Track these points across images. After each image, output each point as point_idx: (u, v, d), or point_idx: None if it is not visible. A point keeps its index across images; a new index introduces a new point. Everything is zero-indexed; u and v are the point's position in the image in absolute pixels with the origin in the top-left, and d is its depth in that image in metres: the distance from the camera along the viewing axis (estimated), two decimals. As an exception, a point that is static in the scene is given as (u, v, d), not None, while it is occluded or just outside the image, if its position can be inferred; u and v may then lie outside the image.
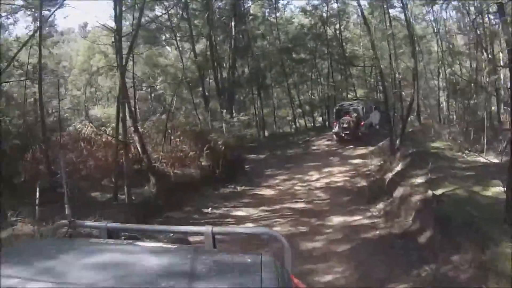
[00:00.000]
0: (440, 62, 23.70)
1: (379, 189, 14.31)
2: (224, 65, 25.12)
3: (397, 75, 17.65)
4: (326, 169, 18.70)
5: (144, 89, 24.36)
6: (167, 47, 26.67)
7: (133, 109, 16.32)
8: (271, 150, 23.33)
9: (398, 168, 14.62)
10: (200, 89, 20.66)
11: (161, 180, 13.47)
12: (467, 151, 15.73)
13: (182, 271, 1.69)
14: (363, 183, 16.30)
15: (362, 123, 22.14)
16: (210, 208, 12.63)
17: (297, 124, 30.24)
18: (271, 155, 22.63)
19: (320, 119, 32.37)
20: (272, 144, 24.68)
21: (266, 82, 28.93)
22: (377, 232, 10.26)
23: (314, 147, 23.07)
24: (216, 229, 2.18)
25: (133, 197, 11.91)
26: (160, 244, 2.24)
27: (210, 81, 26.34)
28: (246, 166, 20.99)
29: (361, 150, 21.38)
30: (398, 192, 12.17)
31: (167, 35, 22.95)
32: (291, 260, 2.21)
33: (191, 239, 2.74)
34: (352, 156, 20.68)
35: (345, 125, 22.08)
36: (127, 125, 12.68)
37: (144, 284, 1.56)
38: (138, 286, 1.55)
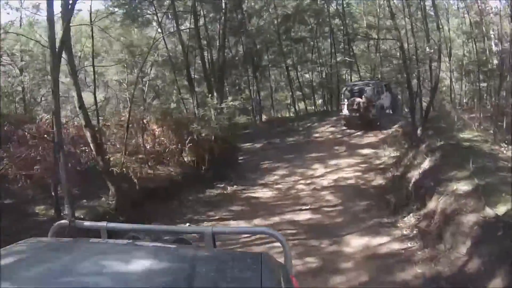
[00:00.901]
0: (450, 43, 20.26)
1: (402, 192, 10.97)
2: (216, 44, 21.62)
3: (425, 50, 14.09)
4: (332, 162, 15.30)
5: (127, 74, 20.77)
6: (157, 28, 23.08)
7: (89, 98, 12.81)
8: (268, 138, 19.92)
9: (426, 165, 11.19)
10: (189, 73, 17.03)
11: (126, 187, 10.08)
12: (504, 144, 12.28)
13: (182, 271, 1.62)
14: (379, 180, 12.93)
15: (373, 105, 18.67)
16: (188, 224, 9.26)
17: (297, 109, 26.76)
18: (269, 144, 19.22)
19: (319, 101, 28.88)
20: (269, 130, 21.26)
21: (262, 63, 25.30)
22: (418, 270, 6.88)
23: (317, 135, 19.62)
24: (216, 229, 2.07)
25: (82, 215, 8.44)
26: (160, 244, 2.08)
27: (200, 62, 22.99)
28: (240, 158, 17.67)
29: (370, 138, 17.98)
30: (436, 203, 8.78)
31: (148, 12, 19.24)
32: (291, 260, 2.05)
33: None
34: (360, 145, 17.25)
35: (354, 107, 18.74)
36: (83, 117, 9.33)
37: (144, 284, 1.49)
38: (138, 286, 1.48)
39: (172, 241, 2.38)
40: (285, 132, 20.59)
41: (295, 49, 26.40)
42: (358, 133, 18.82)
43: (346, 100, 19.45)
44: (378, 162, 14.96)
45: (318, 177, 13.81)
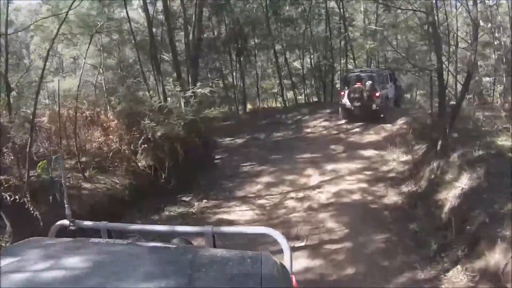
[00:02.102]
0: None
1: (432, 221, 7.51)
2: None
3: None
4: (329, 166, 11.74)
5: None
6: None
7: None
8: (252, 132, 16.30)
9: (465, 184, 7.71)
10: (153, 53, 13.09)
11: (32, 217, 6.34)
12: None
13: (182, 271, 1.56)
14: (392, 197, 9.44)
15: (377, 94, 15.12)
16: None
17: (286, 98, 23.11)
18: (252, 140, 15.60)
19: (310, 91, 25.25)
20: (254, 123, 17.62)
21: (247, 46, 21.47)
22: None
23: (309, 130, 16.01)
24: (216, 228, 2.05)
25: None
26: (160, 244, 1.96)
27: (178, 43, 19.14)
28: (217, 158, 14.04)
29: (372, 136, 14.46)
30: (503, 256, 5.29)
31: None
32: (291, 260, 1.96)
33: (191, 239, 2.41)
34: (361, 144, 13.70)
35: (356, 95, 15.27)
36: None
37: (144, 284, 1.44)
38: (138, 286, 1.43)
39: (172, 241, 2.28)
40: (272, 125, 16.95)
41: (285, 32, 22.61)
42: (357, 129, 15.26)
43: (346, 87, 15.87)
44: (385, 168, 11.44)
45: (313, 188, 10.24)
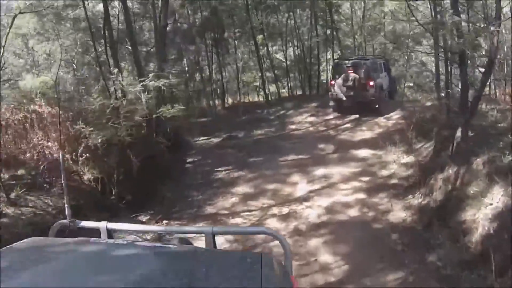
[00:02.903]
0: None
1: (459, 251, 5.54)
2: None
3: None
4: (318, 171, 9.71)
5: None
6: None
7: None
8: (230, 130, 14.15)
9: (498, 200, 5.73)
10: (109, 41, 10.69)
11: None
12: None
13: (182, 271, 1.53)
14: (398, 212, 7.48)
15: (372, 83, 13.15)
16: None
17: (267, 92, 20.97)
18: (230, 139, 13.45)
19: (292, 84, 23.17)
20: (233, 119, 15.49)
21: (224, 36, 19.21)
22: None
23: (293, 126, 13.92)
24: (216, 229, 1.99)
25: None
26: (160, 244, 2.01)
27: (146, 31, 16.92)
28: (189, 161, 11.94)
29: (365, 132, 12.50)
30: None
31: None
32: (291, 260, 1.91)
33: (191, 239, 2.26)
34: (354, 142, 11.70)
35: (348, 83, 13.32)
36: None
37: (144, 284, 1.40)
38: (138, 286, 1.39)
39: (172, 241, 2.26)
40: (252, 122, 14.83)
41: (266, 21, 20.41)
42: (348, 125, 13.24)
43: (337, 76, 13.82)
44: (385, 173, 9.44)
45: (300, 201, 8.19)
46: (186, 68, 19.51)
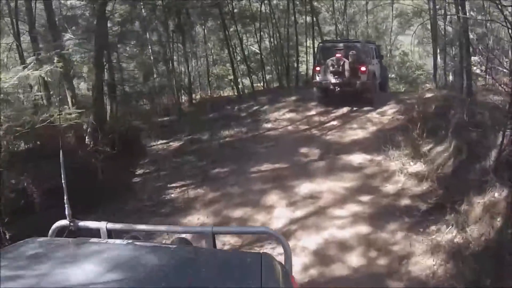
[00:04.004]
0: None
1: None
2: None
3: None
4: (302, 187, 7.02)
5: None
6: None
7: None
8: (193, 131, 11.31)
9: None
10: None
11: None
12: None
13: (182, 271, 1.46)
14: (423, 258, 4.81)
15: (363, 69, 10.60)
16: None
17: (242, 86, 18.15)
18: (191, 143, 10.63)
19: (269, 77, 20.45)
20: (199, 118, 12.59)
21: (190, 22, 16.27)
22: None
23: (269, 125, 11.12)
24: (216, 229, 1.98)
25: None
26: (160, 244, 2.02)
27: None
28: (138, 173, 9.25)
29: (356, 130, 9.93)
30: None
31: None
32: (291, 260, 1.78)
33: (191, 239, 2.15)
34: (345, 144, 9.03)
35: (337, 68, 10.64)
36: None
37: (144, 284, 1.35)
38: (138, 286, 1.34)
39: (172, 241, 2.20)
40: (221, 120, 11.99)
41: (238, 5, 17.55)
42: (334, 122, 10.53)
43: (323, 61, 11.06)
44: (391, 188, 6.77)
45: (276, 239, 5.38)
46: (152, 60, 16.67)
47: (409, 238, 5.24)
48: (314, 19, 17.38)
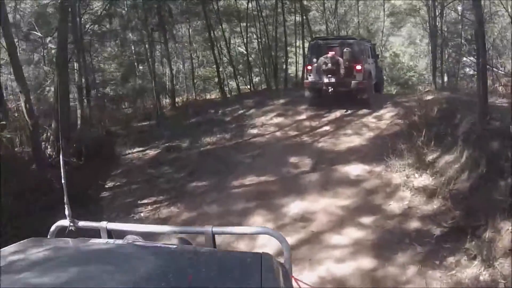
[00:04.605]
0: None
1: None
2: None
3: None
4: (291, 206, 5.93)
5: None
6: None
7: None
8: (172, 137, 10.19)
9: None
10: None
11: None
12: None
13: (182, 271, 1.42)
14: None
15: (359, 67, 9.63)
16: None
17: (228, 88, 17.09)
18: (169, 151, 9.50)
19: (257, 79, 19.40)
20: (180, 122, 11.49)
21: (170, 20, 15.12)
22: None
23: (255, 131, 10.01)
24: (216, 229, 1.83)
25: None
26: (160, 244, 1.78)
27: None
28: (108, 186, 8.14)
29: (352, 137, 8.87)
30: None
31: None
32: (291, 260, 1.68)
33: (191, 239, 2.09)
34: (339, 152, 7.96)
35: (330, 67, 9.57)
36: None
37: (144, 284, 1.31)
38: (138, 286, 1.29)
39: (172, 241, 2.09)
40: (203, 125, 10.86)
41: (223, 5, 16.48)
42: (327, 127, 9.46)
43: (315, 59, 10.00)
44: (396, 207, 5.71)
45: None
46: (133, 61, 15.52)
47: (424, 274, 4.18)
48: (304, 17, 16.37)
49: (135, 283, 1.31)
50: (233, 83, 18.02)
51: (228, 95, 15.48)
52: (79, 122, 11.05)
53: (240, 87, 17.27)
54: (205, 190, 6.98)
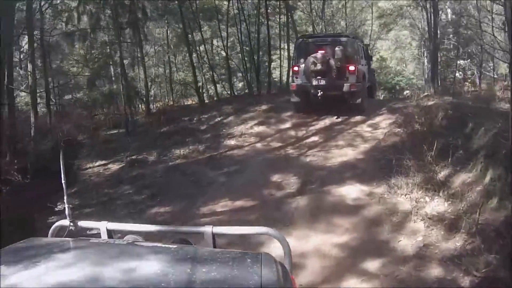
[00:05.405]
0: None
1: None
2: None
3: None
4: (273, 248, 4.41)
5: None
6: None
7: None
8: (139, 150, 8.76)
9: None
10: None
11: None
12: None
13: (182, 271, 1.38)
14: None
15: (352, 68, 8.39)
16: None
17: (207, 94, 15.73)
18: (132, 167, 8.06)
19: (241, 85, 18.10)
20: (150, 132, 10.03)
21: (144, 18, 13.61)
22: None
23: (233, 142, 8.61)
24: (216, 229, 1.82)
25: None
26: (160, 244, 1.73)
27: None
28: (56, 210, 6.58)
29: (345, 150, 7.51)
30: None
31: None
32: (291, 260, 1.68)
33: (191, 239, 2.03)
34: (331, 169, 6.59)
35: (319, 67, 8.26)
36: None
37: (144, 284, 1.28)
38: (138, 286, 1.27)
39: (172, 241, 2.06)
40: (175, 135, 9.45)
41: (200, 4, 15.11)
42: (315, 137, 8.11)
43: (302, 60, 8.66)
44: (408, 245, 4.36)
45: None
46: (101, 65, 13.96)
47: None
48: (290, 18, 15.08)
49: (135, 283, 1.28)
50: (215, 88, 16.67)
51: (207, 101, 14.08)
52: (32, 132, 9.53)
53: (223, 92, 15.91)
54: (167, 218, 5.56)
